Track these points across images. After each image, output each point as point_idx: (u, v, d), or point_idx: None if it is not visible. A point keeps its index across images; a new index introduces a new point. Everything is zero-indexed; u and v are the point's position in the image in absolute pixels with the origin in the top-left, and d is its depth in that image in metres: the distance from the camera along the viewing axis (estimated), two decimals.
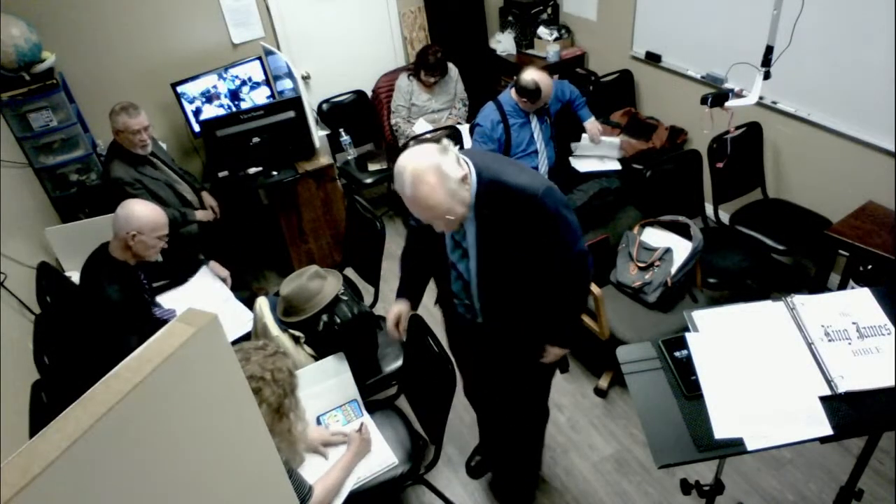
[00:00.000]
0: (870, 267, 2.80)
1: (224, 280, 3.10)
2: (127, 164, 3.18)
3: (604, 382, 3.10)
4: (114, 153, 3.21)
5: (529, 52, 4.79)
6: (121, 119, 3.11)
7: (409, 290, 2.31)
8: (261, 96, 4.25)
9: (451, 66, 4.40)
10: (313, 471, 2.08)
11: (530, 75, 3.34)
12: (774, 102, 3.39)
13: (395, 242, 4.36)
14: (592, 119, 3.73)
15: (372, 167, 4.40)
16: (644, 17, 4.11)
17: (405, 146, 3.78)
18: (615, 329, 2.81)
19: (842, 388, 1.71)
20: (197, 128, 3.99)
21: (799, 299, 2.00)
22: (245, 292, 3.16)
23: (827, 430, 1.64)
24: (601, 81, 4.32)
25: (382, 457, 2.23)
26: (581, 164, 3.83)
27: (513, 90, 3.47)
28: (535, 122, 3.54)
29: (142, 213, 2.51)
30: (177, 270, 3.10)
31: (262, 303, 2.56)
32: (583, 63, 4.77)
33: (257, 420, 1.08)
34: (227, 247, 3.78)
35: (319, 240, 3.94)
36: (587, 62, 4.77)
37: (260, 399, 1.74)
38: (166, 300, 2.92)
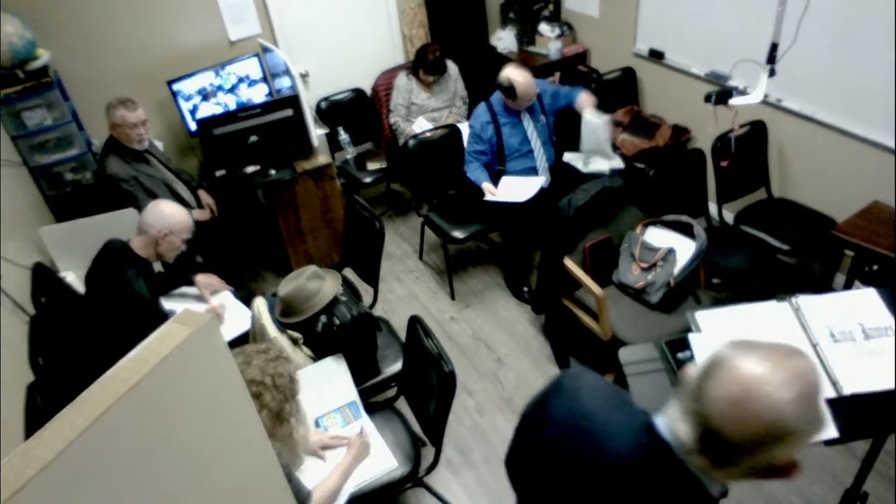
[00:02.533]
0: (875, 267, 2.78)
1: (217, 291, 3.00)
2: (123, 161, 3.17)
3: None
4: (109, 149, 3.19)
5: (531, 48, 4.77)
6: (119, 112, 3.10)
7: None
8: (258, 94, 4.23)
9: (450, 64, 4.38)
10: (311, 474, 2.07)
11: (506, 73, 3.36)
12: (779, 100, 3.37)
13: (394, 242, 4.35)
14: (583, 92, 3.63)
15: (371, 166, 4.38)
16: (647, 14, 4.09)
17: (405, 145, 3.76)
18: (617, 330, 2.79)
19: (847, 389, 1.70)
20: (193, 126, 3.97)
21: (804, 300, 1.99)
22: (243, 291, 3.14)
23: (832, 433, 1.63)
24: (603, 79, 4.30)
25: (382, 459, 2.22)
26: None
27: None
28: (527, 121, 3.53)
29: (174, 213, 2.60)
30: (174, 271, 3.08)
31: (260, 303, 2.55)
32: (585, 60, 4.75)
33: (254, 422, 1.08)
34: (224, 246, 3.77)
35: (318, 239, 3.92)
36: (589, 59, 4.75)
37: (260, 404, 1.73)
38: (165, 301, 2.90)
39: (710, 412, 1.00)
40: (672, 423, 1.06)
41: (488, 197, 3.46)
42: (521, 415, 1.39)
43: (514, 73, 3.33)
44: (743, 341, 1.05)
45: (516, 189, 3.46)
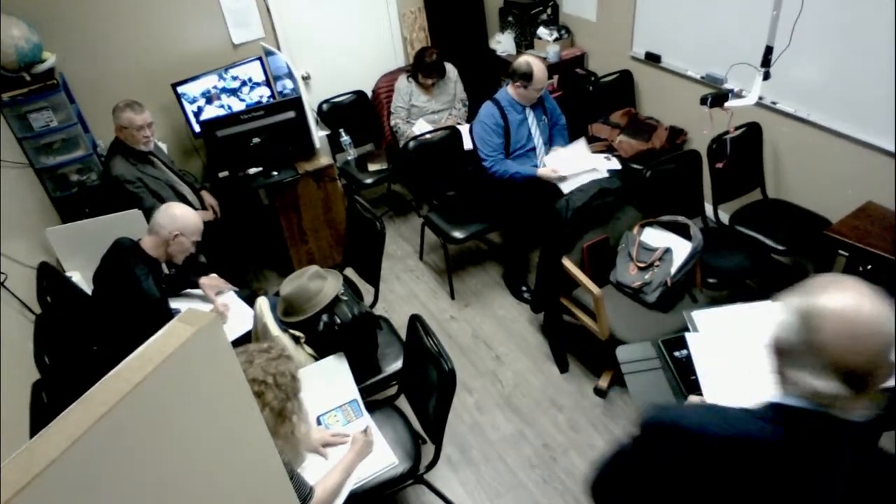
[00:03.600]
0: (869, 267, 2.80)
1: (221, 292, 3.02)
2: (128, 163, 3.19)
3: (604, 382, 3.10)
4: (115, 151, 3.21)
5: (529, 52, 4.79)
6: (125, 115, 3.12)
7: None
8: (261, 96, 4.25)
9: (449, 66, 4.40)
10: (313, 471, 2.08)
11: (524, 58, 3.44)
12: (774, 103, 3.39)
13: (395, 243, 4.38)
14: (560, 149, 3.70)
15: (372, 167, 4.40)
16: (644, 18, 4.11)
17: (405, 147, 3.79)
18: (615, 329, 2.81)
19: None
20: (197, 128, 4.00)
21: None
22: (245, 291, 3.16)
23: None
24: (601, 82, 4.32)
25: (382, 456, 2.24)
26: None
27: (510, 86, 3.50)
28: (531, 118, 3.56)
29: (185, 215, 2.64)
30: (183, 273, 3.10)
31: (263, 303, 2.56)
32: (582, 63, 4.77)
33: (257, 420, 1.09)
34: (227, 246, 3.79)
35: (319, 240, 3.94)
36: (587, 62, 4.77)
37: (262, 403, 1.74)
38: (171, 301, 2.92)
39: (837, 356, 1.04)
40: (804, 389, 1.09)
41: (554, 174, 3.40)
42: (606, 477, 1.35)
43: (532, 59, 3.42)
44: (802, 290, 1.11)
45: (572, 160, 3.44)
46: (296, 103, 3.55)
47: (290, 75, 3.75)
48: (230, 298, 2.96)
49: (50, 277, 2.83)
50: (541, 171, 3.47)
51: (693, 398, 1.67)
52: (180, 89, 3.93)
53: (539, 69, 3.38)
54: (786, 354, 1.12)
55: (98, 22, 3.78)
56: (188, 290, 2.98)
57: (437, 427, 2.23)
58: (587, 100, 4.32)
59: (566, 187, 3.34)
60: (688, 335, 1.98)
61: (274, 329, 2.45)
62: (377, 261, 3.07)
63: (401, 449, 2.33)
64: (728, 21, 3.51)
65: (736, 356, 1.88)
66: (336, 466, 2.08)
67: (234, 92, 4.15)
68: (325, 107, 4.49)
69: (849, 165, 3.17)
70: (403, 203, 4.79)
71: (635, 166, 3.87)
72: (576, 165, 3.40)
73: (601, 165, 3.37)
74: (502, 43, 4.91)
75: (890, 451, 1.22)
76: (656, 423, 1.24)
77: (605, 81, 4.32)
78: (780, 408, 1.13)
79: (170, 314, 2.59)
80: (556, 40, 4.65)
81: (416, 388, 2.45)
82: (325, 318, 2.46)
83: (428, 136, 3.89)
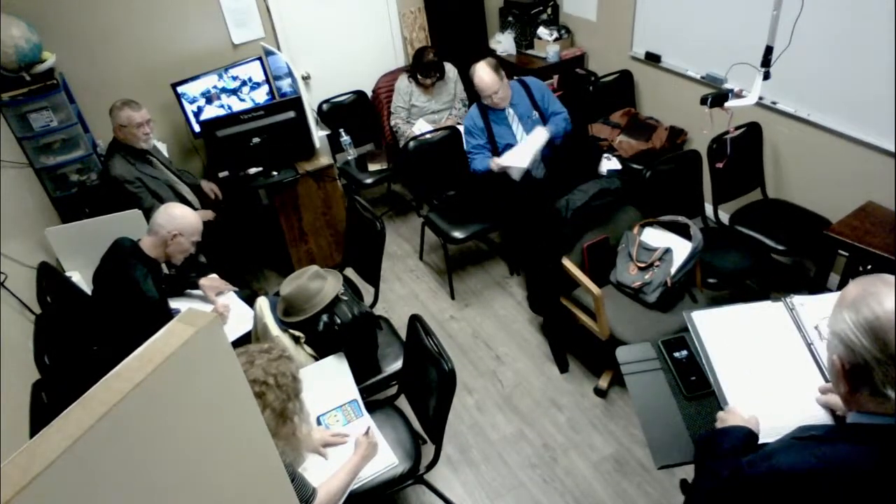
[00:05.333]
0: (869, 267, 2.80)
1: (221, 293, 3.01)
2: (127, 162, 3.19)
3: (604, 382, 3.10)
4: (114, 151, 3.22)
5: (529, 52, 4.79)
6: (124, 113, 3.12)
7: None
8: (261, 96, 4.26)
9: (449, 66, 4.40)
10: (314, 471, 2.08)
11: (474, 66, 3.47)
12: (774, 103, 3.39)
13: (395, 242, 4.38)
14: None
15: (372, 167, 4.41)
16: (644, 18, 4.11)
17: (405, 147, 3.78)
18: (615, 329, 2.81)
19: None
20: (197, 128, 4.00)
21: (798, 300, 2.00)
22: (246, 291, 3.16)
23: None
24: (601, 82, 4.32)
25: (382, 456, 2.24)
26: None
27: None
28: (511, 116, 3.55)
29: (185, 216, 2.64)
30: (183, 274, 3.10)
31: (263, 303, 2.56)
32: (583, 63, 4.77)
33: (258, 421, 1.08)
34: (227, 246, 3.79)
35: (319, 240, 3.94)
36: (587, 62, 4.78)
37: (263, 404, 1.74)
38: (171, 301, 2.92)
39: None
40: (885, 405, 1.10)
41: (496, 165, 3.46)
42: None
43: (477, 68, 3.44)
44: (848, 305, 1.11)
45: (517, 153, 3.48)
46: (296, 103, 3.54)
47: (290, 75, 3.75)
48: (230, 299, 2.96)
49: (50, 277, 2.83)
50: (490, 163, 3.52)
51: (733, 408, 1.65)
52: (180, 89, 3.93)
53: (479, 77, 3.41)
54: (859, 374, 1.10)
55: (98, 22, 3.78)
56: (188, 291, 2.98)
57: (437, 427, 2.23)
58: (587, 100, 4.32)
59: (515, 173, 3.41)
60: (710, 351, 1.95)
61: (274, 329, 2.45)
62: (377, 261, 3.07)
63: (401, 449, 2.33)
64: (728, 21, 3.51)
65: (736, 357, 1.88)
66: (341, 468, 2.07)
67: (234, 92, 4.16)
68: (325, 107, 4.49)
69: (849, 165, 3.17)
70: (403, 203, 4.79)
71: (635, 166, 3.88)
72: (516, 157, 3.43)
73: (539, 140, 3.41)
74: (502, 43, 4.91)
75: None
76: (756, 477, 1.20)
77: (605, 81, 4.32)
78: (860, 428, 1.12)
79: (170, 314, 2.59)
80: (556, 40, 4.65)
81: (416, 388, 2.45)
82: (325, 318, 2.46)
83: (428, 136, 3.89)
